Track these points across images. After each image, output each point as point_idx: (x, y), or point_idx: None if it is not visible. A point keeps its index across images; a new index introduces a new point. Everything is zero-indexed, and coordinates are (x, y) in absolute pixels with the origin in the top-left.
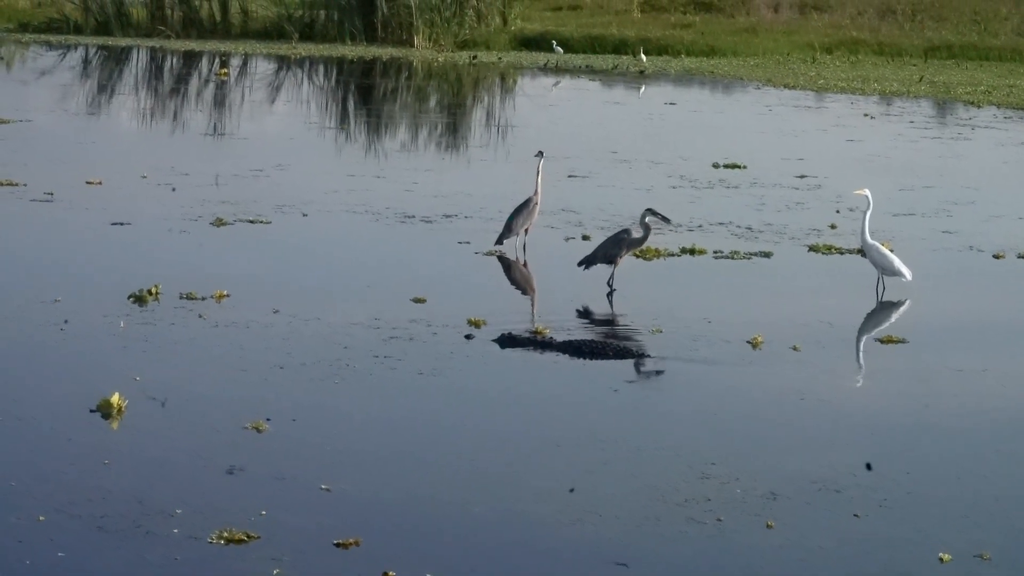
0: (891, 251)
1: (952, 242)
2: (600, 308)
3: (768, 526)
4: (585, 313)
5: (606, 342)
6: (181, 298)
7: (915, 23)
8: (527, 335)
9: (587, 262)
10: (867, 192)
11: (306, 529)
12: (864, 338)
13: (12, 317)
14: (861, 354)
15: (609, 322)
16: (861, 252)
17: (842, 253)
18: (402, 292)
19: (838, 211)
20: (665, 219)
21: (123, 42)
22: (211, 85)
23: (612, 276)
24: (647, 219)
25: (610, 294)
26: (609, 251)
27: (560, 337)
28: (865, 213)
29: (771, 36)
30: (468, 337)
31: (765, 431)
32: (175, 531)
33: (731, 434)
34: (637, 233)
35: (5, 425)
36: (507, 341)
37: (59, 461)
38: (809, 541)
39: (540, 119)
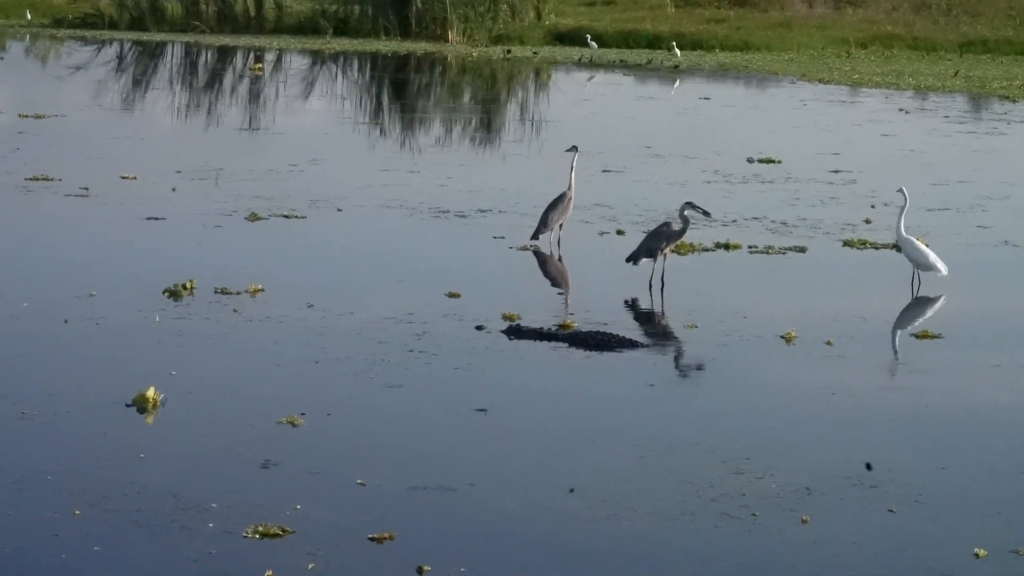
0: (926, 246)
1: (987, 237)
2: (634, 303)
3: (803, 521)
4: (619, 307)
5: (611, 333)
6: (216, 293)
7: (950, 17)
8: (535, 327)
9: (633, 258)
10: (904, 189)
11: (341, 524)
12: (899, 333)
13: (48, 312)
14: (895, 349)
15: (643, 317)
16: (896, 247)
17: (876, 248)
18: (436, 287)
19: (872, 206)
20: (705, 212)
21: (157, 37)
22: (245, 80)
23: (654, 271)
24: (686, 212)
25: (661, 289)
26: (650, 244)
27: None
28: (901, 209)
29: (805, 31)
30: (479, 328)
31: (799, 426)
32: (210, 525)
33: (765, 429)
34: (677, 226)
35: (41, 420)
36: (514, 333)
37: (94, 456)
38: (844, 536)
39: (574, 114)
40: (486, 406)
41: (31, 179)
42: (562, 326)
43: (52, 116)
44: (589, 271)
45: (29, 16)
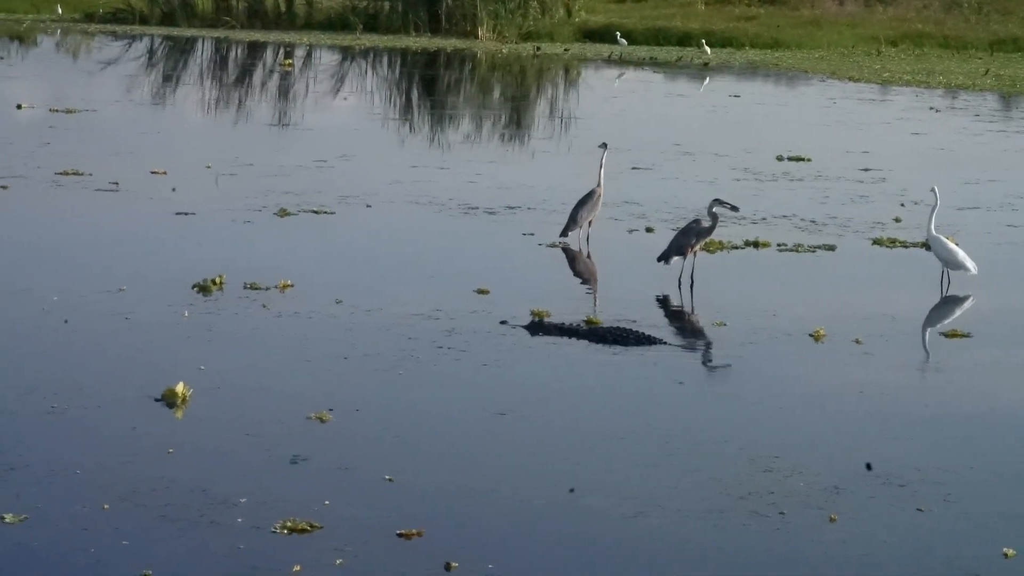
0: (956, 245)
1: (1017, 236)
2: (663, 300)
3: (831, 520)
4: (648, 305)
5: (636, 330)
6: (245, 288)
7: (981, 16)
8: (563, 323)
9: (664, 257)
10: (935, 188)
11: (369, 519)
12: (928, 332)
13: (78, 306)
14: (925, 348)
15: (672, 314)
16: (926, 245)
17: (906, 247)
18: (465, 283)
19: (902, 204)
20: (733, 207)
21: (188, 32)
22: (275, 76)
23: (683, 269)
24: (714, 208)
25: (691, 287)
26: (680, 242)
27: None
28: (932, 208)
29: (835, 29)
30: (503, 323)
31: (828, 425)
32: (239, 520)
33: (794, 427)
34: (706, 223)
35: (70, 414)
36: (541, 329)
37: (123, 450)
38: (872, 535)
39: (603, 111)
40: (514, 402)
41: (61, 173)
42: (588, 322)
43: (82, 111)
44: (618, 268)
45: (60, 11)
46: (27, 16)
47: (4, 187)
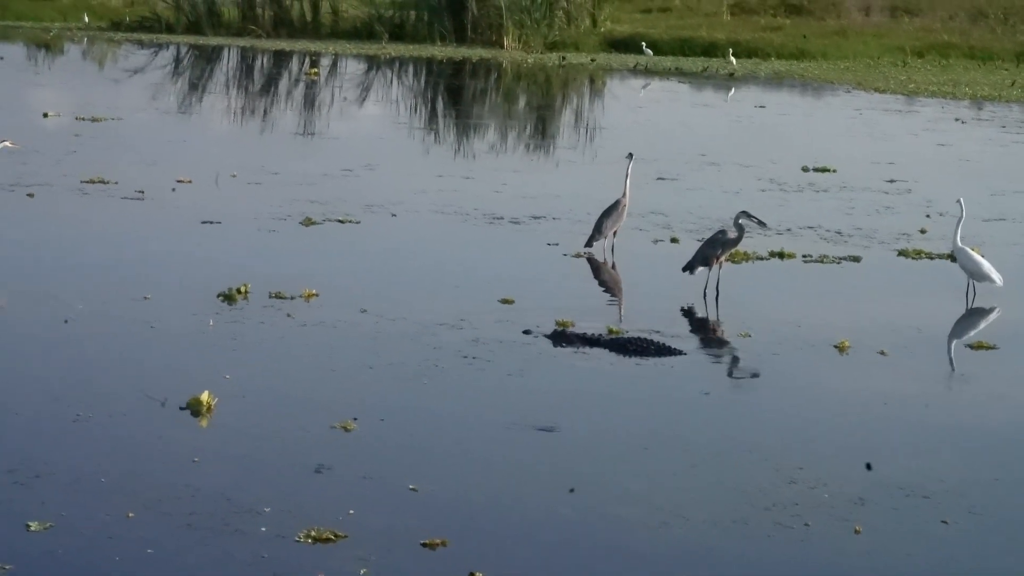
0: (981, 256)
1: None
2: (688, 310)
3: (856, 531)
4: (673, 315)
5: (659, 342)
6: (270, 297)
7: (1007, 27)
8: (588, 334)
9: (689, 267)
10: (961, 200)
11: (393, 529)
12: (953, 343)
13: (103, 314)
14: (950, 360)
15: (697, 324)
16: (951, 257)
17: (932, 258)
18: (490, 293)
19: (928, 215)
20: (760, 223)
21: (214, 41)
22: (301, 85)
23: (708, 280)
24: (741, 221)
25: (716, 298)
26: (706, 252)
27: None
28: (958, 220)
29: (861, 39)
30: (526, 332)
31: (852, 436)
32: (263, 529)
33: (818, 438)
34: (732, 234)
35: (96, 422)
36: (564, 339)
37: (149, 458)
38: (897, 547)
39: (629, 121)
40: (539, 412)
41: (87, 181)
42: (611, 332)
43: (108, 119)
44: (643, 279)
45: (87, 19)
46: (54, 24)
47: (30, 195)
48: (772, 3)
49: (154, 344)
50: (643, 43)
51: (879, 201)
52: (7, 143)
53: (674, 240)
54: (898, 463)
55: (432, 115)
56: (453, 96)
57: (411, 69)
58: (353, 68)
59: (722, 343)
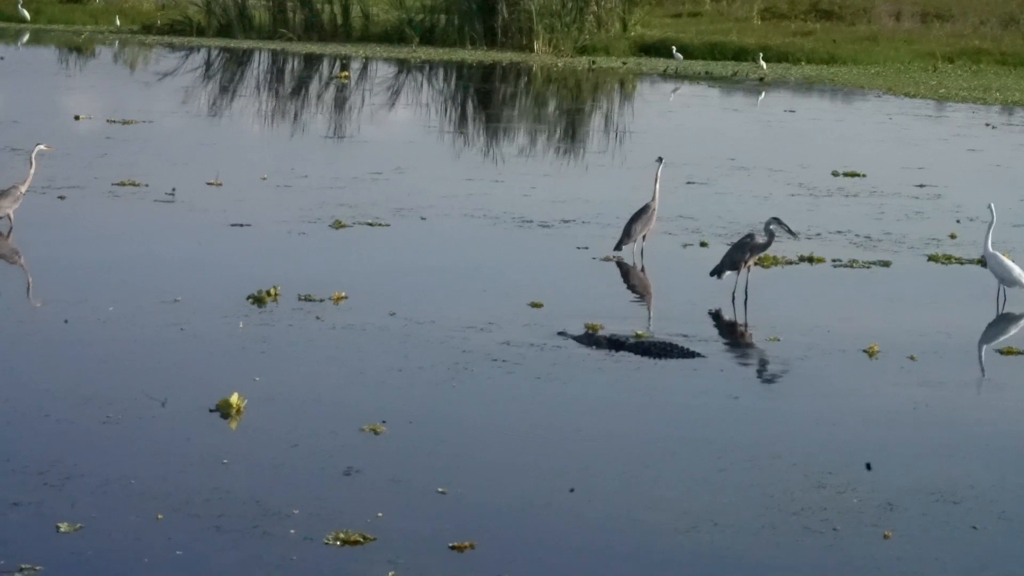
0: (1012, 262)
1: None
2: (717, 315)
3: (885, 537)
4: (702, 319)
5: (684, 347)
6: (299, 300)
7: None
8: (617, 337)
9: (717, 271)
10: (991, 205)
11: (422, 532)
12: (983, 349)
13: (133, 317)
14: (980, 365)
15: (726, 329)
16: (981, 262)
17: (962, 263)
18: (519, 296)
19: (958, 221)
20: (790, 231)
21: (245, 44)
22: (331, 88)
23: (737, 284)
24: (771, 227)
25: (745, 302)
26: (734, 256)
27: (677, 343)
28: (989, 225)
29: (892, 44)
30: (561, 334)
31: (881, 441)
32: (291, 532)
33: (847, 443)
34: (761, 239)
35: (125, 424)
36: (594, 342)
37: (178, 461)
38: (926, 553)
39: (659, 125)
40: (568, 416)
41: (118, 184)
42: (637, 337)
43: (140, 122)
44: (672, 283)
45: (118, 22)
46: (86, 27)
47: (62, 197)
48: (803, 8)
49: (184, 346)
50: (673, 47)
51: (909, 206)
52: (41, 147)
53: (703, 244)
54: (928, 468)
55: (462, 119)
56: (483, 100)
57: (441, 73)
58: (383, 71)
59: (751, 347)
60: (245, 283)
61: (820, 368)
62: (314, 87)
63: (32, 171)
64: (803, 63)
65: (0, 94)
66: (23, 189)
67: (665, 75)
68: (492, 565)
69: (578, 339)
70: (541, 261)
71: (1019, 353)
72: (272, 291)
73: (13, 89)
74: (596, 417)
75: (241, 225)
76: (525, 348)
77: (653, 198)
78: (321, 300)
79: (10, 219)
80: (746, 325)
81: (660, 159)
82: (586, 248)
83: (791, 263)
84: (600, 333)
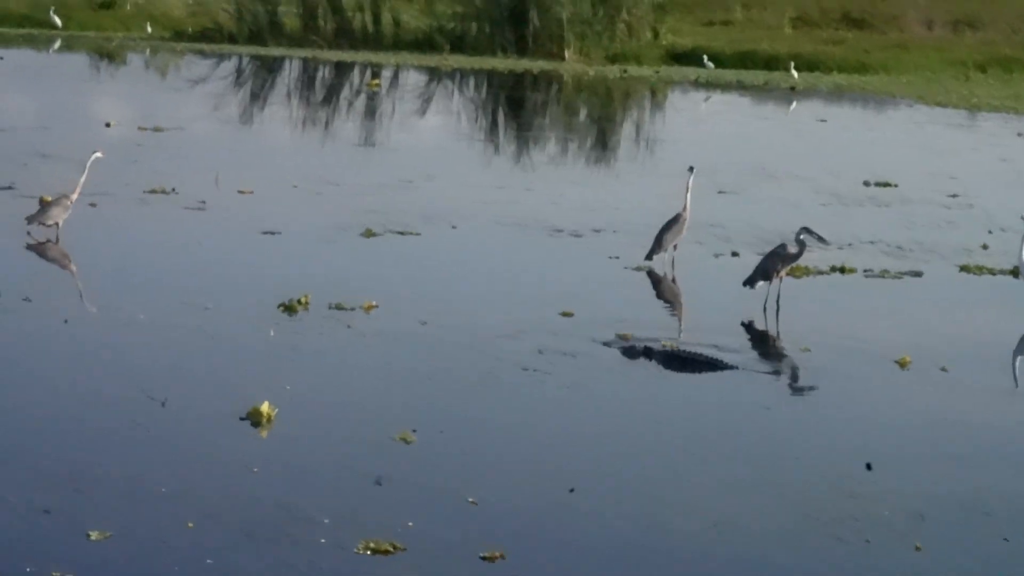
0: None
1: None
2: (748, 324)
3: (916, 548)
4: (733, 329)
5: (717, 357)
6: (330, 308)
7: None
8: (649, 346)
9: (750, 281)
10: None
11: (452, 541)
12: (1016, 360)
13: (164, 324)
14: (1012, 376)
15: (757, 338)
16: (1014, 272)
17: (994, 274)
18: (550, 305)
19: (990, 231)
20: (821, 240)
21: (275, 51)
22: (362, 96)
23: (768, 294)
24: (802, 236)
25: (776, 312)
26: (766, 266)
27: (707, 352)
28: (1023, 235)
29: (923, 53)
30: (606, 344)
31: (913, 451)
32: (321, 540)
33: (878, 454)
34: (793, 249)
35: (155, 431)
36: (627, 352)
37: (208, 468)
38: (957, 564)
39: (689, 134)
40: (598, 425)
41: (149, 192)
42: (667, 345)
43: (171, 129)
44: (703, 292)
45: (149, 29)
46: (117, 34)
47: (93, 204)
48: (834, 16)
49: (214, 354)
50: (704, 56)
51: (940, 216)
52: (98, 154)
53: (735, 254)
54: (959, 480)
55: (492, 127)
56: (513, 108)
57: (472, 81)
58: (414, 79)
59: (782, 357)
60: (276, 291)
61: (851, 378)
62: (345, 95)
63: (83, 179)
64: (834, 72)
65: (32, 100)
66: (73, 198)
67: (696, 84)
68: (522, 574)
69: (621, 349)
70: (572, 270)
71: None
72: (303, 299)
73: (44, 95)
74: (626, 425)
75: (272, 233)
76: (555, 357)
77: (684, 207)
78: (352, 308)
79: (57, 228)
80: (777, 335)
81: (691, 168)
82: (617, 257)
83: (822, 273)
84: (634, 343)
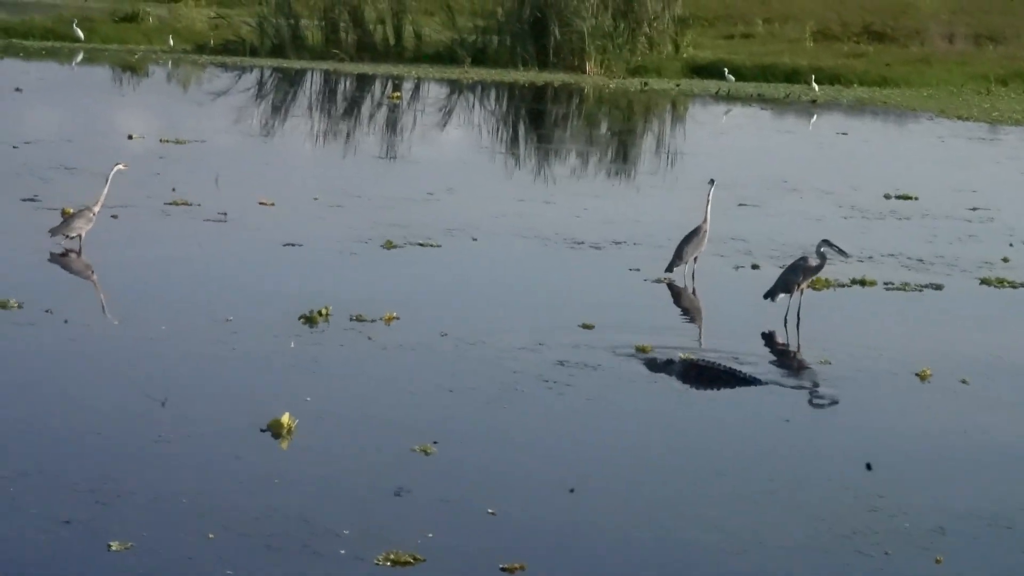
0: None
1: None
2: (769, 337)
3: (937, 561)
4: (754, 341)
5: (737, 370)
6: (351, 320)
7: None
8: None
9: (771, 293)
10: None
11: (472, 552)
12: None
13: (185, 335)
14: None
15: (777, 351)
16: None
17: (1015, 287)
18: (570, 317)
19: (1011, 244)
20: (842, 252)
21: (297, 65)
22: (383, 108)
23: (789, 307)
24: (822, 249)
25: (797, 324)
26: (787, 279)
27: (733, 366)
28: None
29: (944, 67)
30: (654, 364)
31: (933, 464)
32: (342, 552)
33: (899, 466)
34: (814, 261)
35: (176, 443)
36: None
37: (229, 479)
38: None
39: (710, 147)
40: (618, 437)
41: (170, 204)
42: (685, 358)
43: (192, 141)
44: (723, 305)
45: (171, 42)
46: (139, 47)
47: (114, 216)
48: (855, 30)
49: (235, 366)
50: (725, 69)
51: (961, 229)
52: (120, 166)
53: (755, 266)
54: (980, 492)
55: (513, 139)
56: (534, 121)
57: (493, 93)
58: (435, 92)
59: (802, 370)
60: (296, 303)
61: (872, 391)
62: (366, 107)
63: (106, 190)
64: (855, 85)
65: (55, 113)
66: (96, 210)
67: (717, 96)
68: None
69: (646, 363)
70: (592, 282)
71: None
72: (323, 311)
73: (67, 108)
74: (645, 438)
75: (293, 245)
76: (576, 369)
77: (704, 219)
78: (372, 320)
79: (80, 239)
80: (798, 347)
81: (712, 181)
82: (638, 269)
83: (843, 286)
84: (671, 358)
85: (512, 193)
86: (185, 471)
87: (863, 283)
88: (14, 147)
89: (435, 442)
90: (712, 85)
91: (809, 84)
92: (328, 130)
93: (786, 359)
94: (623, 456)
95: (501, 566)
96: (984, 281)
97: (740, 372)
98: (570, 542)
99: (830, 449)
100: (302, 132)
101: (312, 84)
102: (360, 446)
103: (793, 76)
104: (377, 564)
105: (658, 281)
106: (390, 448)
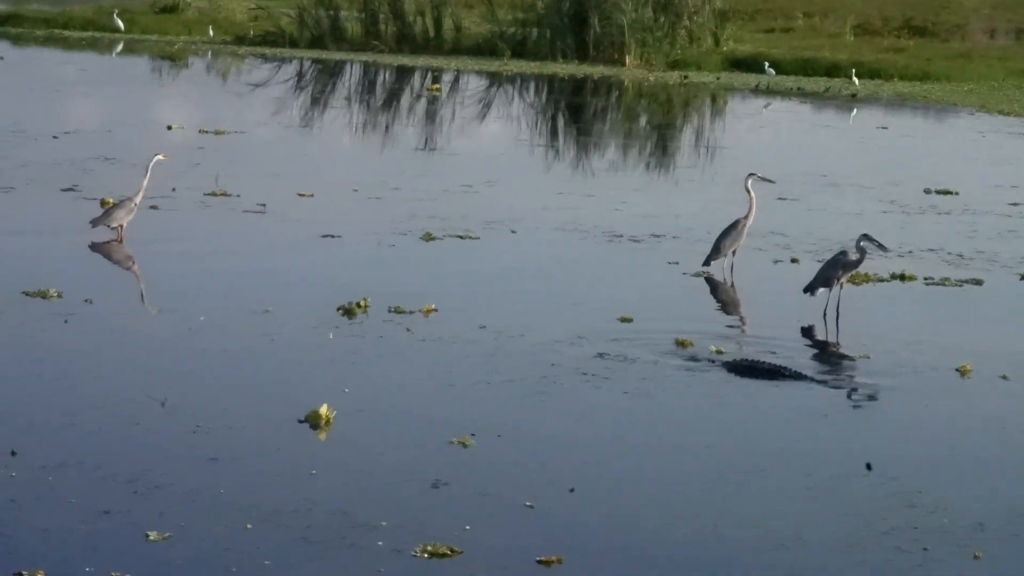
0: None
1: None
2: (808, 331)
3: (975, 557)
4: (793, 336)
5: (780, 365)
6: (389, 312)
7: None
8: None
9: (810, 288)
10: None
11: (509, 545)
12: None
13: (224, 327)
14: None
15: (816, 346)
16: None
17: None
18: (609, 311)
19: None
20: (881, 246)
21: (337, 56)
22: (423, 100)
23: (828, 301)
24: (862, 243)
25: (836, 319)
26: (827, 273)
27: (767, 359)
28: None
29: (986, 62)
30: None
31: (973, 461)
32: (379, 544)
33: (938, 462)
34: (853, 256)
35: (215, 434)
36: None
37: (267, 471)
38: (1017, 573)
39: (750, 141)
40: (656, 431)
41: (210, 195)
42: (719, 352)
43: (232, 132)
44: (762, 299)
45: (211, 33)
46: (179, 38)
47: (154, 207)
48: (896, 24)
49: (274, 357)
50: (765, 63)
51: (1002, 224)
52: (159, 156)
53: (794, 261)
54: (1019, 489)
55: (553, 132)
56: (574, 113)
57: (532, 86)
58: (475, 84)
59: (841, 365)
60: (335, 294)
61: (911, 386)
62: (405, 99)
63: (146, 181)
64: (896, 79)
65: (95, 104)
66: (137, 200)
67: (757, 90)
68: None
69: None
70: (631, 275)
71: None
72: (362, 303)
73: (107, 99)
74: (683, 433)
75: (332, 236)
76: (614, 362)
77: (747, 214)
78: (411, 312)
79: (120, 230)
80: (837, 342)
81: (754, 175)
82: (677, 263)
83: (883, 281)
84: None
85: (551, 186)
86: (223, 462)
87: (903, 278)
88: (54, 137)
89: (473, 435)
90: (752, 79)
91: (849, 78)
92: (367, 122)
93: (825, 354)
94: (661, 451)
95: (538, 559)
96: None
97: (785, 368)
98: (607, 536)
99: (868, 444)
100: (341, 124)
101: (351, 76)
102: (398, 438)
103: (833, 70)
104: (415, 556)
105: (697, 275)
106: (428, 440)
